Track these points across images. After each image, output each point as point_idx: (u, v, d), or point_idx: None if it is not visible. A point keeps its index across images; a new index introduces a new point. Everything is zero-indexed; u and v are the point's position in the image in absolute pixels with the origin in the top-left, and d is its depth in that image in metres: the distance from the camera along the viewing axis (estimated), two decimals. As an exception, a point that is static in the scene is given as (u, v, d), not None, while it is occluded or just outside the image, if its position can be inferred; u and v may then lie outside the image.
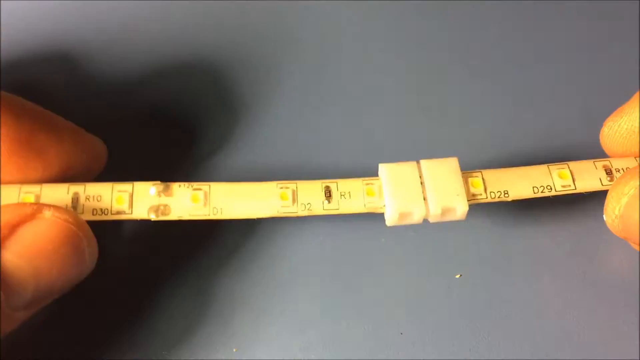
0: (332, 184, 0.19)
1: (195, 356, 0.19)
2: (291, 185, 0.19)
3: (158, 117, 0.23)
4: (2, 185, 0.18)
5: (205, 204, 0.18)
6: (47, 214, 0.17)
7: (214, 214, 0.18)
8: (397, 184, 0.18)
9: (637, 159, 0.19)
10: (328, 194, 0.19)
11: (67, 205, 0.18)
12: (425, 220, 0.19)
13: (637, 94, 0.19)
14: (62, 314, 0.19)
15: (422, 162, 0.19)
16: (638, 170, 0.17)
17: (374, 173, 0.19)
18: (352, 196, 0.19)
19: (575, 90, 0.24)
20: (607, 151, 0.19)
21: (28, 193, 0.18)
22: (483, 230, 0.19)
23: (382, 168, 0.19)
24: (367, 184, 0.19)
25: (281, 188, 0.19)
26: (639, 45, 0.24)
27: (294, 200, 0.18)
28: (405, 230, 0.21)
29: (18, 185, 0.18)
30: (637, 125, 0.18)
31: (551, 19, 0.26)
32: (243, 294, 0.20)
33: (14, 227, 0.16)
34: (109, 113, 0.23)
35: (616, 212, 0.17)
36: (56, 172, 0.18)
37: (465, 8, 0.26)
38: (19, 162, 0.18)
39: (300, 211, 0.18)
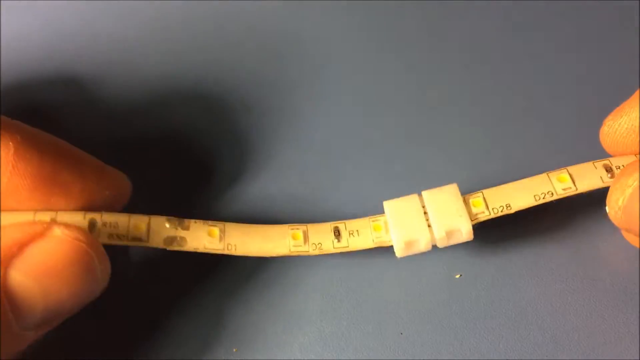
0: (341, 224, 0.19)
1: (196, 356, 0.19)
2: (302, 227, 0.19)
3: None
4: (16, 212, 0.17)
5: (220, 240, 0.19)
6: (57, 231, 0.16)
7: (228, 250, 0.19)
8: (402, 217, 0.19)
9: (637, 156, 0.19)
10: (337, 233, 0.19)
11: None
12: (435, 247, 0.19)
13: (637, 92, 0.19)
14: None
15: (424, 193, 0.19)
16: None
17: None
18: (360, 234, 0.19)
19: (575, 90, 0.24)
20: (607, 150, 0.19)
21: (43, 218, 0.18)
22: (483, 230, 0.19)
23: (387, 205, 0.19)
24: (374, 221, 0.19)
25: (292, 229, 0.19)
26: (639, 45, 0.24)
27: (306, 240, 0.19)
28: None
29: (32, 212, 0.18)
30: (637, 124, 0.18)
31: (551, 18, 0.26)
32: (243, 294, 0.20)
33: (23, 245, 0.16)
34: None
35: (619, 203, 0.17)
36: (78, 208, 0.18)
37: (464, 8, 0.26)
38: (42, 198, 0.17)
39: (311, 250, 0.19)
